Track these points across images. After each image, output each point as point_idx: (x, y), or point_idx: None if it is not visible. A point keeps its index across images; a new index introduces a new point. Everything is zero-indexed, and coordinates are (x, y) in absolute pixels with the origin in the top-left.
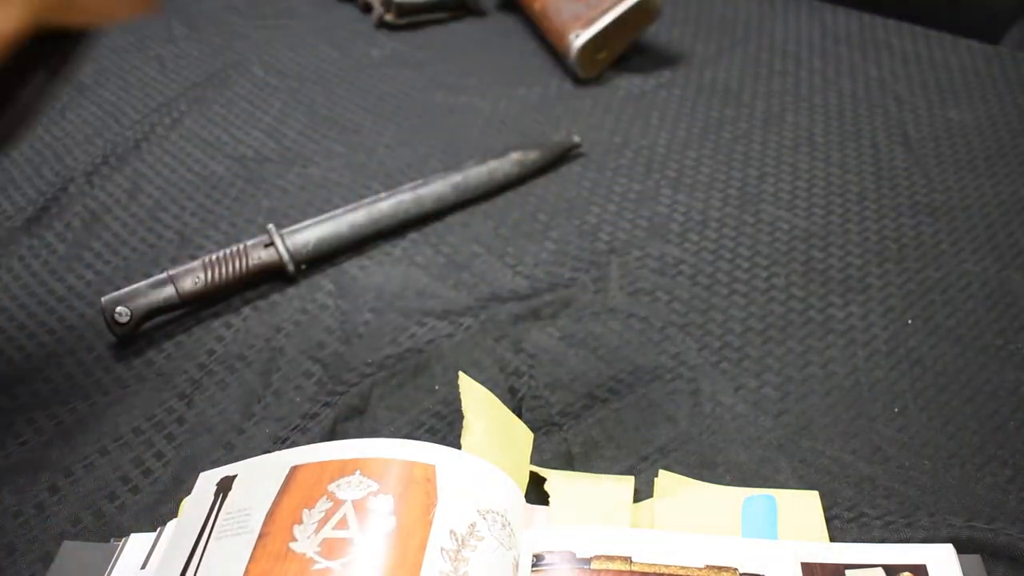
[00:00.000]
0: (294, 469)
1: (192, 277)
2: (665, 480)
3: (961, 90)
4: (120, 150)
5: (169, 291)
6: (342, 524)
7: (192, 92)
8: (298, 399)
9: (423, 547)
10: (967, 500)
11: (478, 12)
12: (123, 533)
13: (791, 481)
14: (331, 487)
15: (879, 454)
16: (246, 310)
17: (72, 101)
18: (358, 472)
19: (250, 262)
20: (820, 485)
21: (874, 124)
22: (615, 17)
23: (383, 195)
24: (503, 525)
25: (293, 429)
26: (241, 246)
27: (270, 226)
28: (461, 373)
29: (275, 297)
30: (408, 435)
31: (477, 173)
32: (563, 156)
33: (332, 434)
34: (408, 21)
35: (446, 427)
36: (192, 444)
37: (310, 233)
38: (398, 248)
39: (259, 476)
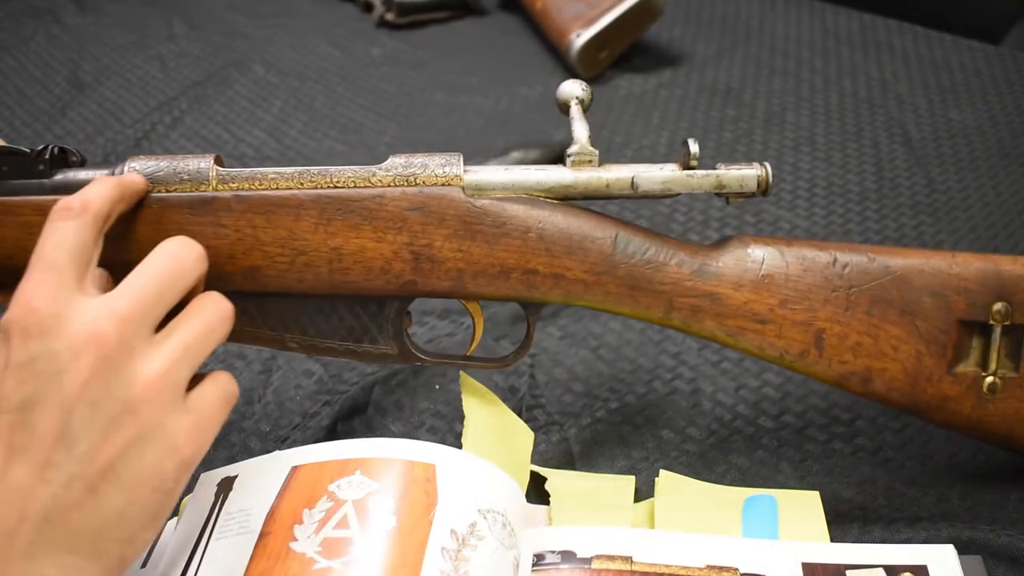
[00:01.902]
0: (295, 469)
1: None
2: (666, 480)
3: (962, 90)
4: (121, 148)
5: None
6: (343, 524)
7: (193, 91)
8: (298, 398)
9: (424, 546)
10: (968, 500)
11: (479, 11)
12: None
13: (791, 481)
14: (332, 487)
15: (880, 454)
16: None
17: (73, 100)
18: (358, 472)
19: None
20: (821, 485)
21: (875, 124)
22: (617, 16)
23: None
24: (504, 525)
25: (294, 428)
26: None
27: None
28: (462, 372)
29: None
30: (408, 434)
31: None
32: (564, 155)
33: (332, 433)
34: (409, 20)
35: (446, 426)
36: None
37: None
38: None
39: (260, 476)
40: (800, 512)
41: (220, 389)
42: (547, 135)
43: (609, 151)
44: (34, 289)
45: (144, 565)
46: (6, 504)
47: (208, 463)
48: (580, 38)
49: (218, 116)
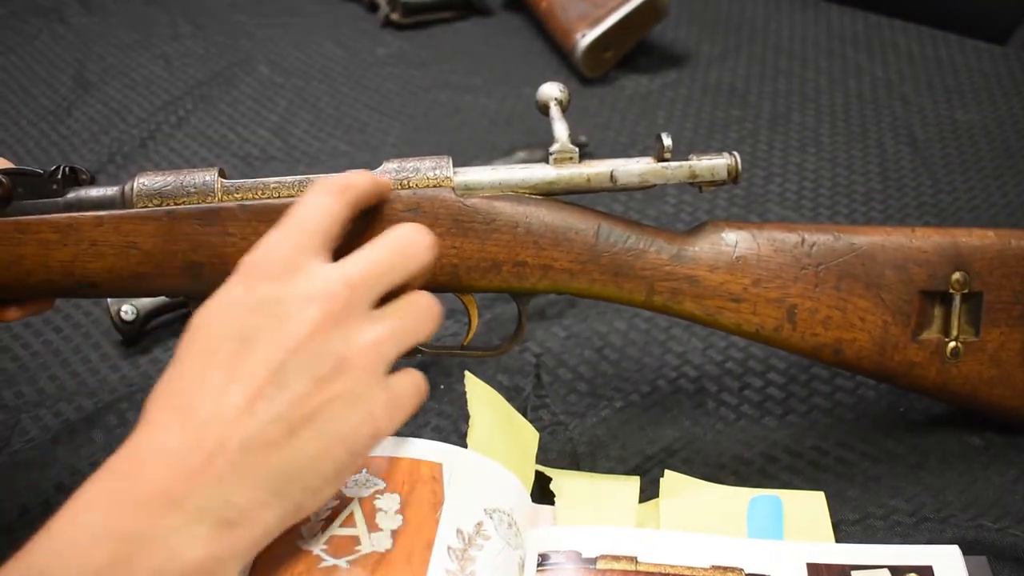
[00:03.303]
0: None
1: None
2: (671, 480)
3: (968, 91)
4: (126, 148)
5: None
6: (349, 522)
7: (197, 90)
8: None
9: (430, 546)
10: (973, 500)
11: (484, 11)
12: None
13: (796, 481)
14: None
15: (885, 454)
16: None
17: (78, 99)
18: (365, 470)
19: None
20: (825, 485)
21: (881, 125)
22: (622, 16)
23: None
24: (509, 524)
25: None
26: None
27: None
28: (467, 372)
29: None
30: (413, 434)
31: None
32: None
33: None
34: (414, 20)
35: (450, 426)
36: None
37: None
38: None
39: None
40: (805, 512)
41: (414, 381)
42: (552, 135)
43: (614, 152)
44: (279, 239)
45: None
46: (213, 426)
47: None
48: (585, 38)
49: (223, 116)
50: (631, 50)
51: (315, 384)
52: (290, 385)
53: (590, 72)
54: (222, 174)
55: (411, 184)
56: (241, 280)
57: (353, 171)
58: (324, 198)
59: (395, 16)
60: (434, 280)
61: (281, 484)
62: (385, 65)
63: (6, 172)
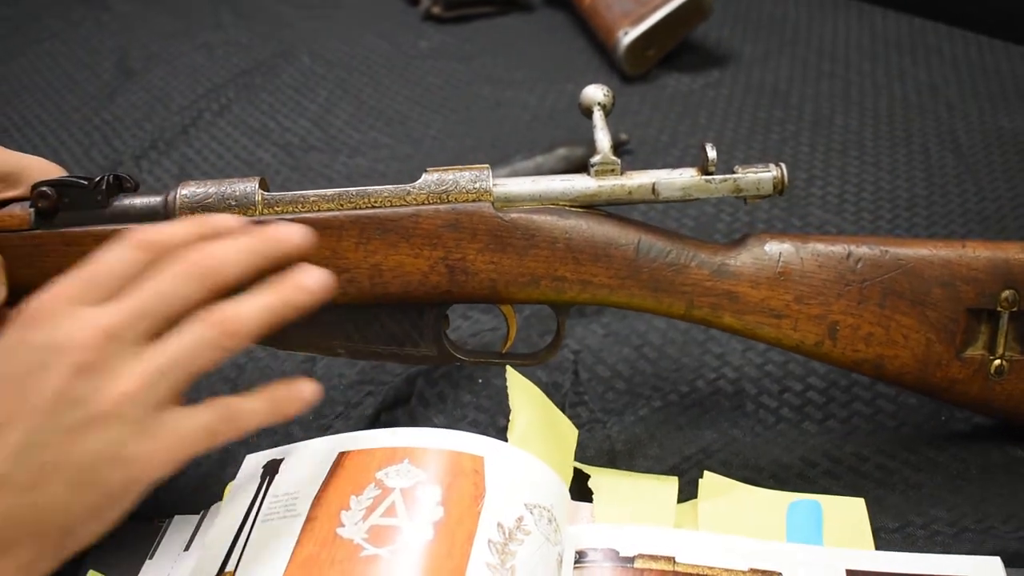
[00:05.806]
0: (342, 455)
1: None
2: (710, 481)
3: (1013, 97)
4: (168, 135)
5: None
6: (390, 512)
7: (240, 79)
8: (341, 387)
9: (471, 538)
10: (1015, 512)
11: (526, 6)
12: (167, 514)
13: (835, 487)
14: (379, 474)
15: (925, 462)
16: None
17: (121, 86)
18: (407, 461)
19: None
20: (865, 492)
21: (924, 129)
22: (666, 14)
23: None
24: (549, 520)
25: (336, 417)
26: None
27: None
28: (508, 367)
29: None
30: (450, 427)
31: (524, 168)
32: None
33: (375, 423)
34: (455, 14)
35: (488, 420)
36: None
37: None
38: None
39: (306, 460)
40: (844, 518)
41: (200, 423)
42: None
43: (655, 151)
44: (57, 287)
45: (187, 547)
46: None
47: (253, 449)
48: (628, 36)
49: (264, 105)
50: (674, 49)
51: (65, 434)
52: (39, 434)
53: (632, 70)
54: (263, 184)
55: (450, 198)
56: (15, 325)
57: (177, 224)
58: (122, 251)
59: (437, 10)
60: (472, 294)
61: (35, 525)
62: (427, 58)
63: (51, 183)
